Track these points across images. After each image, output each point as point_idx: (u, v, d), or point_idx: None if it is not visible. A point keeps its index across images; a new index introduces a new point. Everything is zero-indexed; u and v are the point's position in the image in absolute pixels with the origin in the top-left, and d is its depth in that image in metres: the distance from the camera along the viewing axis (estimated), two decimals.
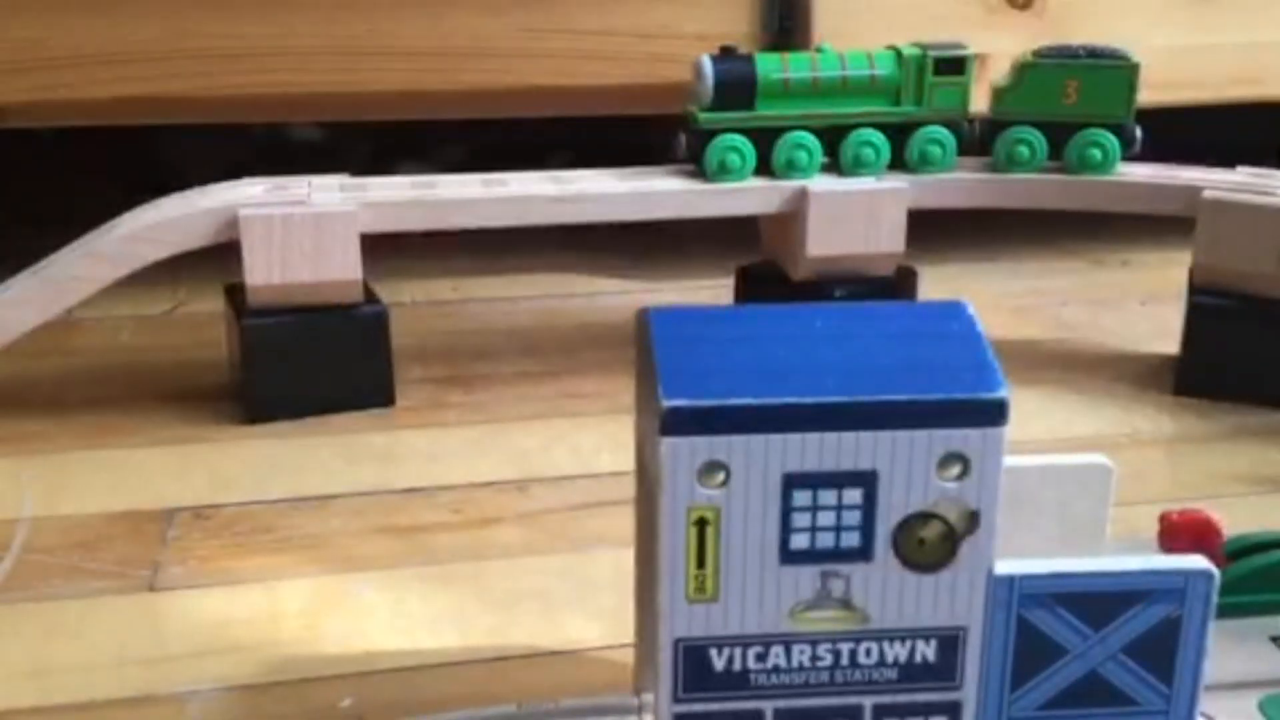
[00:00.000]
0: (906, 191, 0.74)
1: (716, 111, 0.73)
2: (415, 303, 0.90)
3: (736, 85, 0.73)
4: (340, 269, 0.68)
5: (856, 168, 0.75)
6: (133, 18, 0.81)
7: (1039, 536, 0.40)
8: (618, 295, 0.92)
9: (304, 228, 0.67)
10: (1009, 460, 0.33)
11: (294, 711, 0.46)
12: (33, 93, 0.81)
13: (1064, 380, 0.77)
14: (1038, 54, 0.75)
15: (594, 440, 0.68)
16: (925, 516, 0.33)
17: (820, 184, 0.74)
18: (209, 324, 0.81)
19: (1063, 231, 1.04)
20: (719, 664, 0.34)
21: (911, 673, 0.35)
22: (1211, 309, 0.73)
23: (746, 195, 0.74)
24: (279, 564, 0.56)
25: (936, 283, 0.81)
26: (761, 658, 0.34)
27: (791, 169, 0.74)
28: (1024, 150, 0.76)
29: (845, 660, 0.34)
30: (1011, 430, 0.33)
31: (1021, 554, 0.35)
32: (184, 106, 0.83)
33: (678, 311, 0.36)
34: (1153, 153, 0.80)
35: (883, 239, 0.74)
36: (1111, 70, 0.74)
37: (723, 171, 0.74)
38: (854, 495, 0.33)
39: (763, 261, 0.80)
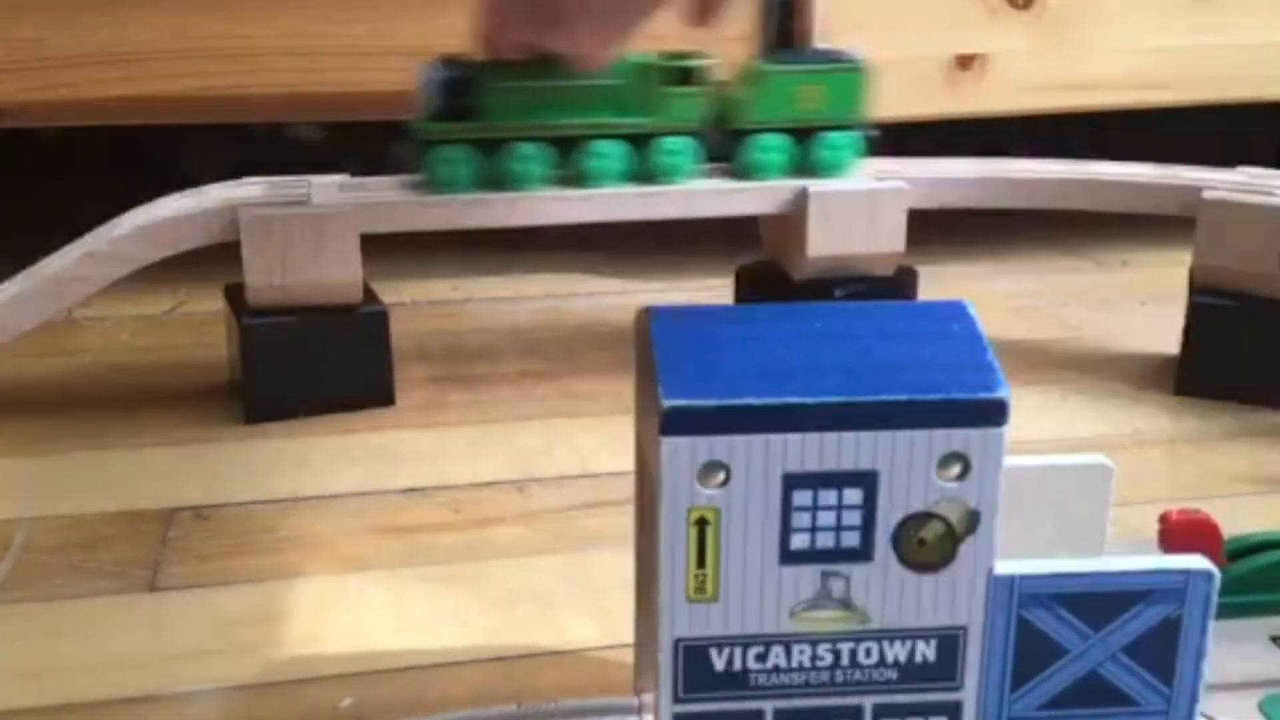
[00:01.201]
0: (907, 191, 0.74)
1: (438, 121, 0.69)
2: (415, 303, 0.90)
3: (458, 93, 0.69)
4: (340, 269, 0.68)
5: (589, 180, 0.72)
6: (133, 17, 0.81)
7: (1039, 536, 0.40)
8: (618, 295, 0.92)
9: (304, 228, 0.67)
10: (1009, 460, 0.33)
11: (294, 711, 0.46)
12: (33, 93, 0.81)
13: (1064, 380, 0.77)
14: (769, 60, 0.74)
15: (594, 440, 0.68)
16: (925, 516, 0.33)
17: (820, 184, 0.74)
18: (209, 324, 0.81)
19: (1063, 231, 1.04)
20: (719, 664, 0.34)
21: (911, 673, 0.35)
22: (1211, 309, 0.73)
23: (746, 195, 0.74)
24: (279, 564, 0.56)
25: (936, 283, 0.81)
26: (761, 658, 0.34)
27: (518, 181, 0.71)
28: (765, 158, 0.73)
29: (845, 660, 0.34)
30: (1011, 430, 0.33)
31: (1021, 554, 0.35)
32: (184, 106, 0.83)
33: (678, 311, 0.36)
34: (1153, 153, 0.80)
35: (883, 239, 0.74)
36: (844, 73, 0.73)
37: (444, 184, 0.70)
38: (854, 495, 0.33)
39: (763, 261, 0.80)
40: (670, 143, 0.72)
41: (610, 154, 0.71)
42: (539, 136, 0.70)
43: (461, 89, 0.69)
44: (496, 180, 0.71)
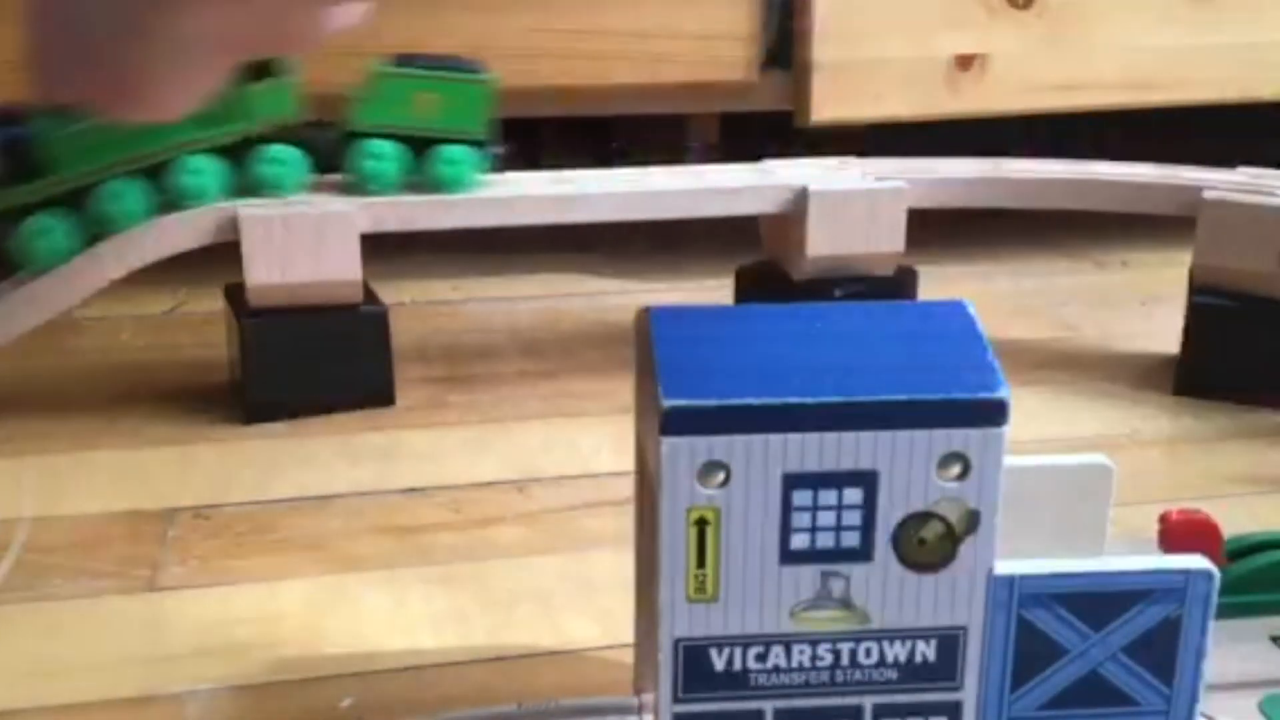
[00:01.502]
0: (906, 191, 0.74)
1: (7, 187, 0.63)
2: (415, 303, 0.90)
3: (20, 151, 0.63)
4: (340, 269, 0.68)
5: (186, 200, 0.66)
6: None
7: (1039, 536, 0.40)
8: (618, 295, 0.92)
9: (305, 228, 0.67)
10: (1009, 460, 0.33)
11: (294, 711, 0.46)
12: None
13: (1064, 380, 0.77)
14: (390, 62, 0.69)
15: (594, 440, 0.68)
16: (925, 516, 0.33)
17: (820, 184, 0.74)
18: (209, 324, 0.81)
19: (1063, 232, 1.04)
20: (719, 664, 0.34)
21: (911, 673, 0.35)
22: (1211, 309, 0.73)
23: (746, 195, 0.74)
24: (279, 564, 0.56)
25: (936, 283, 0.81)
26: (761, 658, 0.34)
27: (117, 222, 0.65)
28: (377, 166, 0.69)
29: (845, 660, 0.34)
30: (1011, 430, 0.33)
31: (1021, 554, 0.35)
32: None
33: (678, 311, 0.36)
34: (1153, 153, 0.80)
35: (883, 239, 0.74)
36: (466, 84, 0.69)
37: (44, 260, 0.65)
38: (854, 495, 0.33)
39: (763, 261, 0.80)
40: (275, 151, 0.68)
41: (206, 169, 0.67)
42: (128, 171, 0.65)
43: (22, 146, 0.63)
44: (96, 231, 0.66)
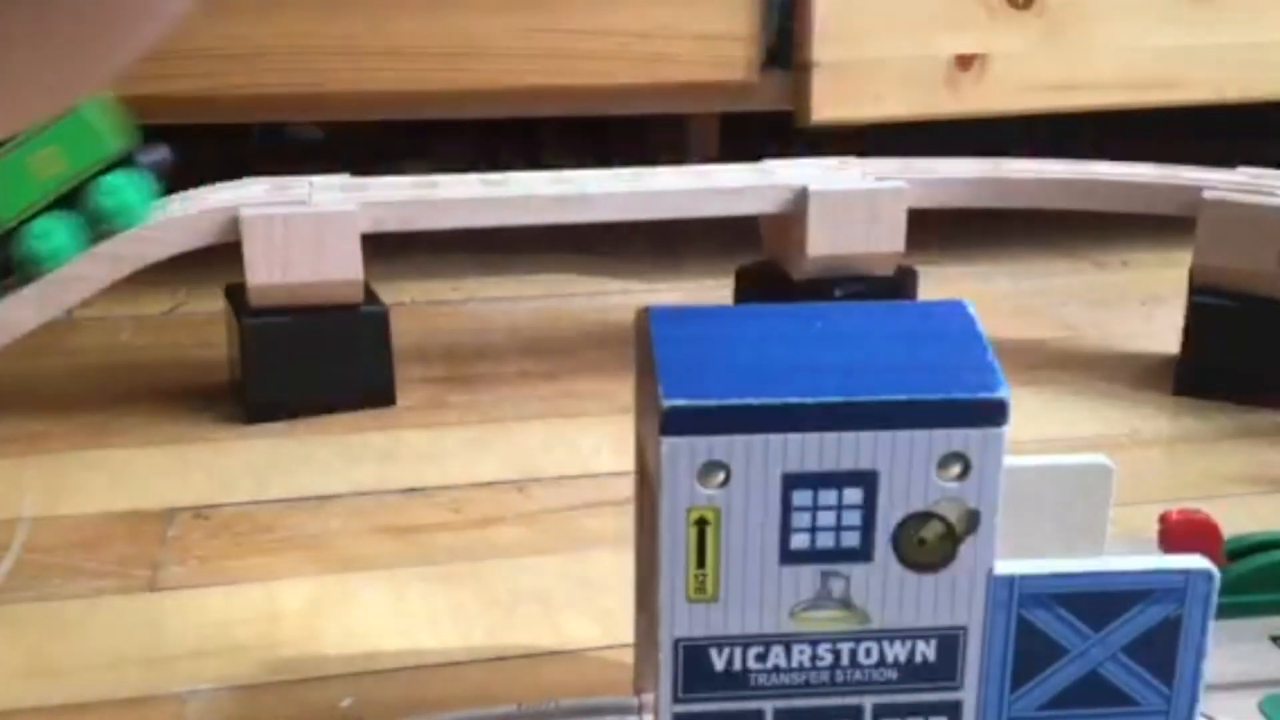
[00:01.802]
0: (906, 191, 0.74)
1: None
2: (415, 303, 0.90)
3: None
4: (341, 269, 0.68)
5: None
6: None
7: (1039, 536, 0.40)
8: (618, 295, 0.92)
9: (305, 228, 0.67)
10: (1009, 460, 0.33)
11: (294, 711, 0.46)
12: None
13: (1064, 380, 0.77)
14: None
15: (594, 440, 0.68)
16: (925, 516, 0.33)
17: (820, 184, 0.74)
18: (209, 324, 0.81)
19: (1063, 232, 1.04)
20: (719, 664, 0.34)
21: (911, 673, 0.35)
22: (1211, 309, 0.73)
23: (746, 195, 0.74)
24: (279, 564, 0.56)
25: (936, 283, 0.81)
26: (761, 658, 0.34)
27: None
28: (46, 245, 0.64)
29: (845, 660, 0.34)
30: (1011, 430, 0.33)
31: (1021, 554, 0.35)
32: (184, 106, 0.83)
33: (678, 311, 0.36)
34: (1153, 153, 0.80)
35: (883, 239, 0.74)
36: (70, 120, 0.63)
37: None
38: (854, 495, 0.33)
39: (763, 261, 0.80)
40: None
41: None
42: None
43: None
44: None
